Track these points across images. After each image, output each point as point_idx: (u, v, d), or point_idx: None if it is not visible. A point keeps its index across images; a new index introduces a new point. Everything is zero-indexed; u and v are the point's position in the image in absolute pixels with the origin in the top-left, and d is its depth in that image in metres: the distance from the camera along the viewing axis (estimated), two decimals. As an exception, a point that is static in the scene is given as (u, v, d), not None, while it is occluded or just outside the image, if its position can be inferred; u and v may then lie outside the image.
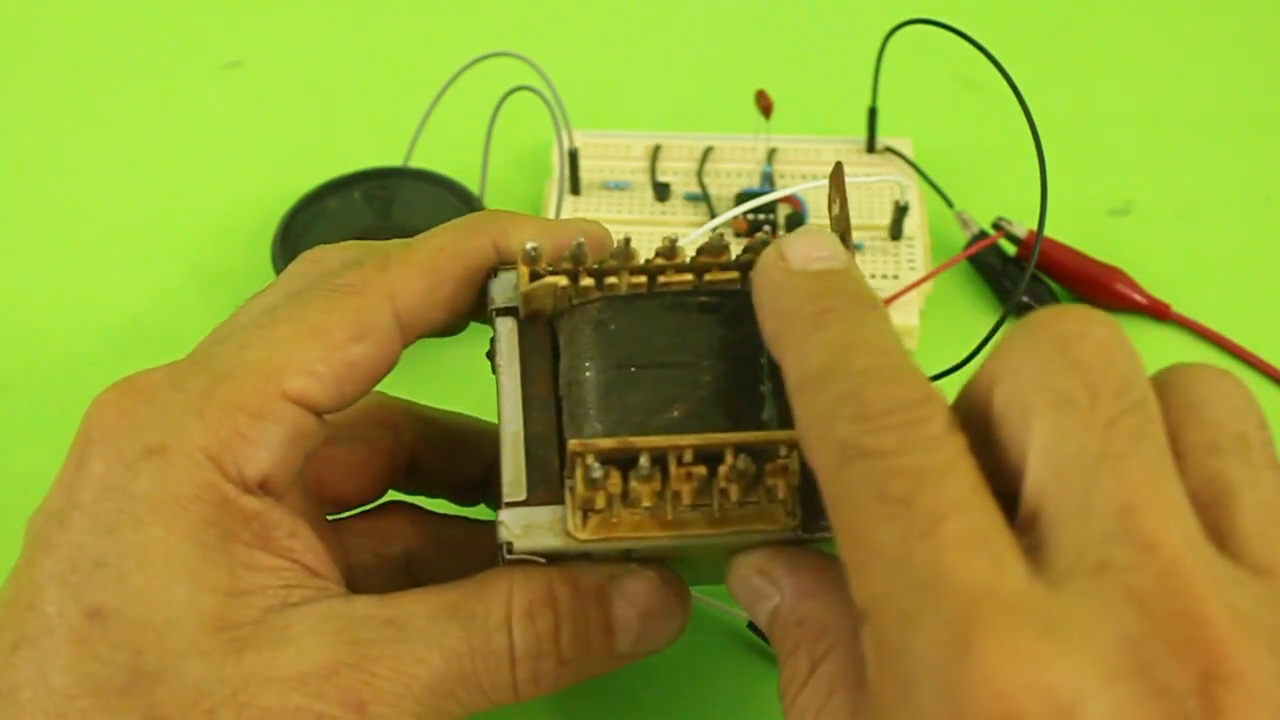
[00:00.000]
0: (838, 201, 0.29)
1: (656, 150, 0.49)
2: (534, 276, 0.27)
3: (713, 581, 0.30)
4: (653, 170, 0.48)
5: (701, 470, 0.26)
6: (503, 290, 0.29)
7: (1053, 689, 0.19)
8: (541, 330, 0.28)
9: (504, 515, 0.27)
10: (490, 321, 0.29)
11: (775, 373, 0.27)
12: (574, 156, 0.46)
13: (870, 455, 0.22)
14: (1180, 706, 0.19)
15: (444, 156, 0.47)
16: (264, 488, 0.27)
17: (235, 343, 0.27)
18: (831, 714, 0.24)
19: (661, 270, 0.28)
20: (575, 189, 0.47)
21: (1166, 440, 0.23)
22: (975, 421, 0.24)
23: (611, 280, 0.28)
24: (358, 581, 0.30)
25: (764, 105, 0.47)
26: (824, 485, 0.23)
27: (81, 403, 0.28)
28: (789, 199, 0.46)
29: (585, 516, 0.26)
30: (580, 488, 0.26)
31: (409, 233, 0.44)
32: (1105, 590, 0.20)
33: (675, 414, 0.27)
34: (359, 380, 0.28)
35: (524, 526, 0.27)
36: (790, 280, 0.25)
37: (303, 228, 0.46)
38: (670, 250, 0.28)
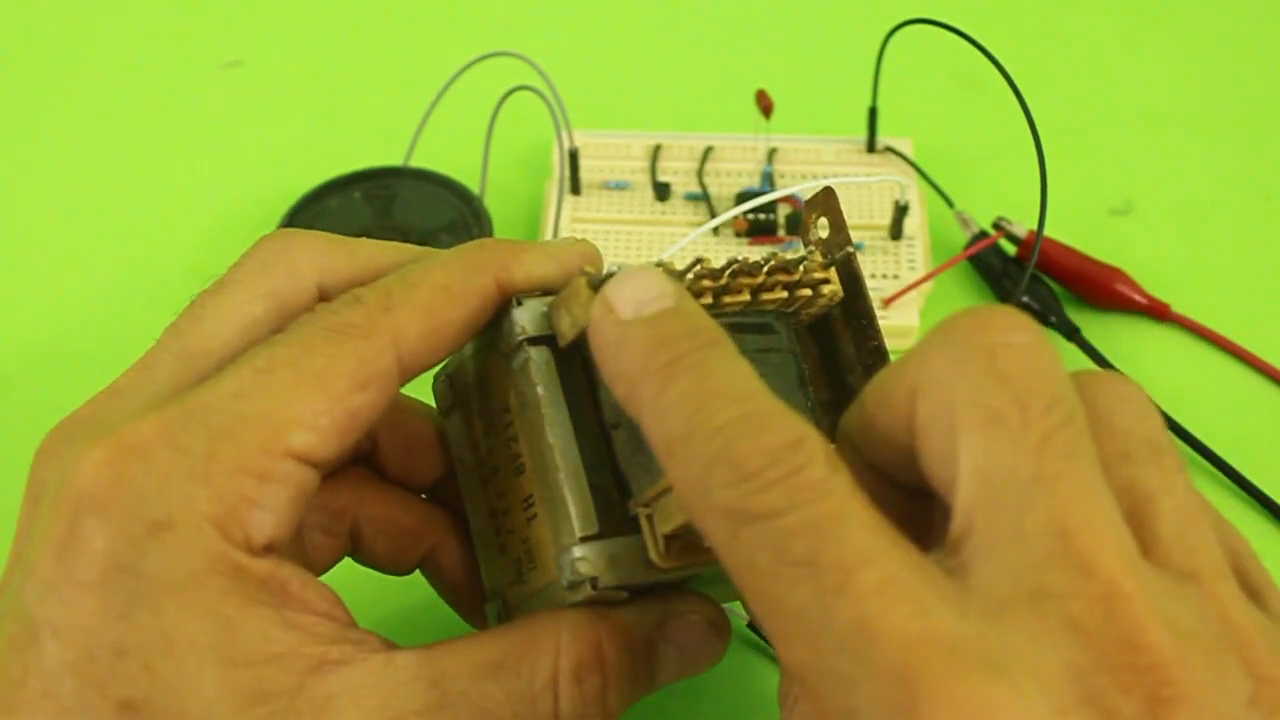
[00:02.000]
0: (830, 225, 0.28)
1: (657, 150, 0.48)
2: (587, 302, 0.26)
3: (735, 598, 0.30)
4: (653, 170, 0.48)
5: None
6: (533, 320, 0.27)
7: None
8: (573, 360, 0.27)
9: (583, 551, 0.26)
10: (516, 352, 0.27)
11: (806, 383, 0.28)
12: (574, 156, 0.46)
13: (759, 518, 0.21)
14: None
15: (444, 156, 0.47)
16: (270, 549, 0.25)
17: (230, 388, 0.26)
18: None
19: (710, 293, 0.27)
20: (575, 189, 0.47)
21: (1096, 454, 0.22)
22: (894, 427, 0.23)
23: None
24: (304, 542, 0.30)
25: (764, 105, 0.47)
26: (720, 554, 0.22)
27: (79, 403, 0.27)
28: (789, 199, 0.46)
29: (668, 544, 0.25)
30: (681, 515, 0.24)
31: (409, 233, 0.45)
32: (1045, 619, 0.20)
33: None
34: (359, 430, 0.26)
35: (607, 559, 0.26)
36: (625, 334, 0.24)
37: (303, 227, 0.46)
38: (716, 273, 0.27)
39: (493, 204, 0.46)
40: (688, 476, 0.22)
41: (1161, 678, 0.20)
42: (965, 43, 0.39)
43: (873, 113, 0.48)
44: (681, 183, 0.48)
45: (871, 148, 0.48)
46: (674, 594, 0.28)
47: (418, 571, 0.33)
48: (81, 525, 0.24)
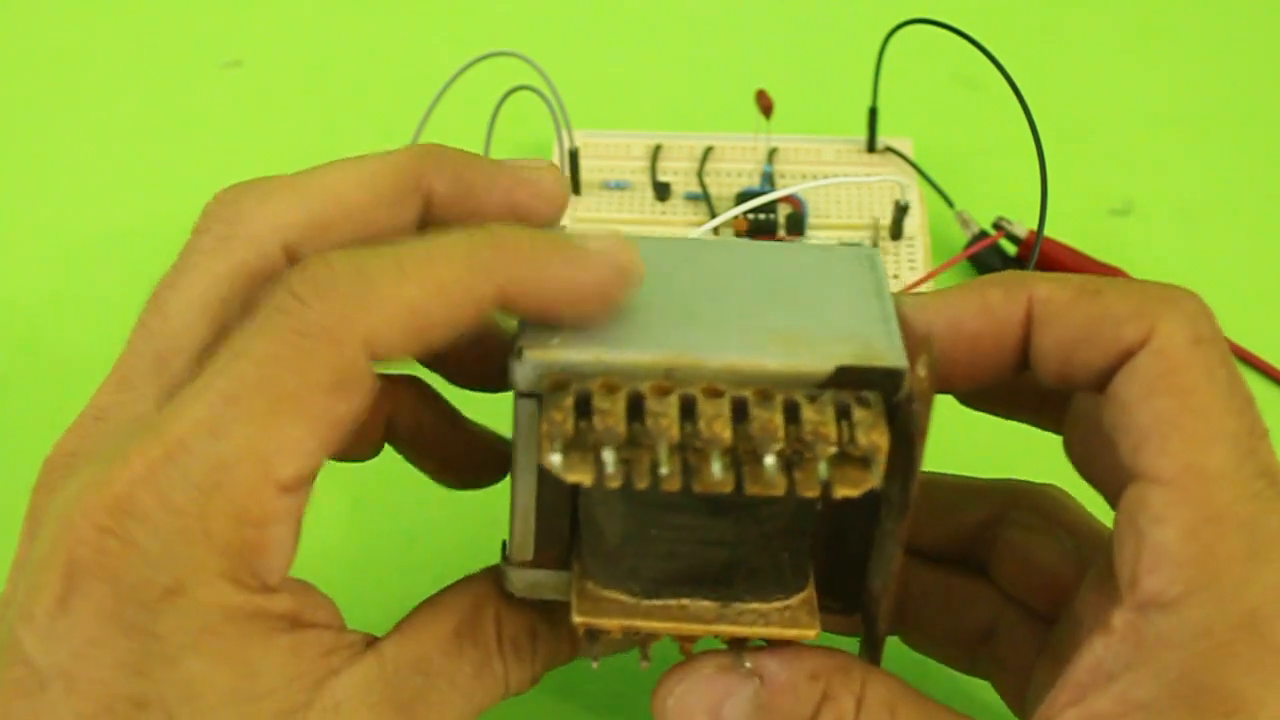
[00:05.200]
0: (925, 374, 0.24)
1: (657, 150, 0.49)
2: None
3: None
4: (653, 170, 0.48)
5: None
6: (526, 376, 0.25)
7: None
8: None
9: (511, 572, 0.27)
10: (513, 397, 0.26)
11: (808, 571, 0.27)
12: (574, 156, 0.46)
13: None
14: None
15: (444, 156, 0.47)
16: (283, 579, 0.25)
17: (204, 422, 0.24)
18: None
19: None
20: (576, 189, 0.47)
21: None
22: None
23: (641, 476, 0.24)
24: None
25: (764, 105, 0.47)
26: None
27: (80, 404, 0.27)
28: (789, 199, 0.46)
29: (579, 602, 0.26)
30: (583, 638, 0.27)
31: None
32: None
33: (685, 587, 0.26)
34: (343, 435, 0.25)
35: (530, 584, 0.27)
36: None
37: (303, 227, 0.46)
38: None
39: (493, 204, 0.46)
40: None
41: None
42: (965, 43, 0.39)
43: (873, 113, 0.48)
44: (682, 183, 0.48)
45: (872, 147, 0.48)
46: None
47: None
48: (83, 585, 0.24)
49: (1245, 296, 0.46)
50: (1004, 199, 0.47)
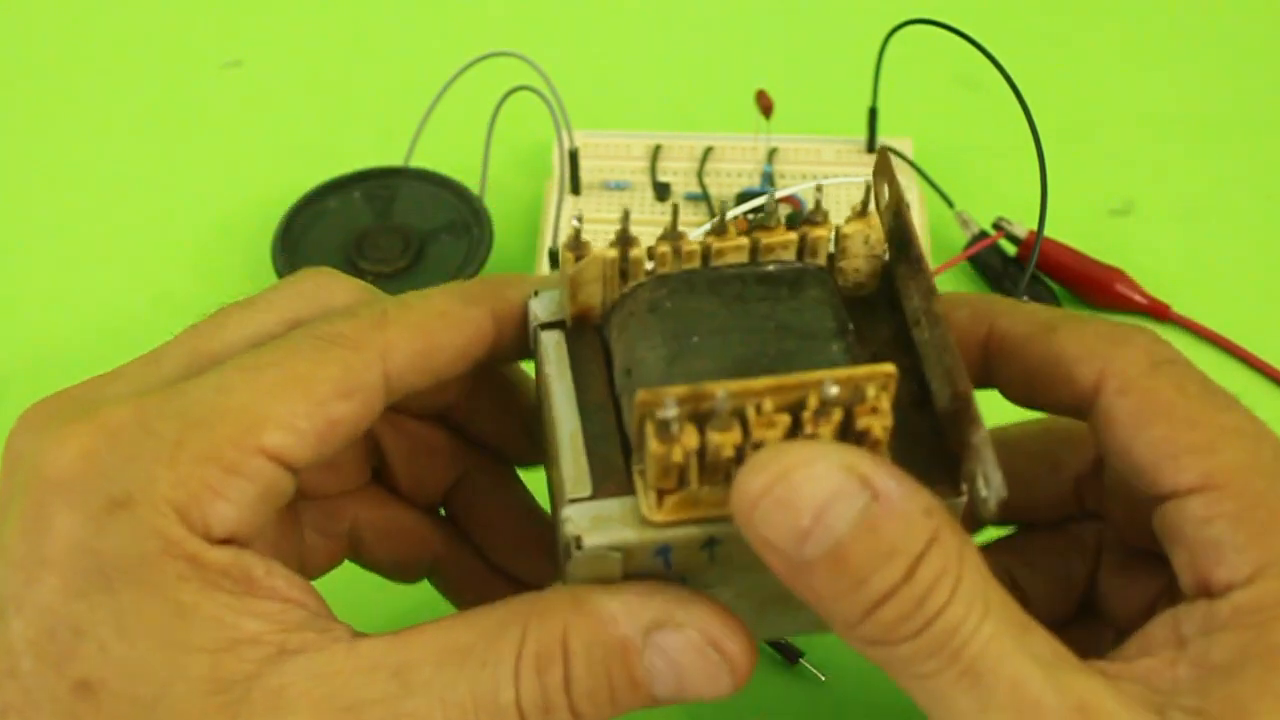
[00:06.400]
0: (888, 187, 0.28)
1: (657, 150, 0.49)
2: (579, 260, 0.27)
3: (811, 629, 0.28)
4: (653, 170, 0.48)
5: (786, 418, 0.23)
6: (546, 308, 0.28)
7: None
8: (589, 341, 0.28)
9: (568, 511, 0.25)
10: (534, 340, 0.28)
11: (847, 330, 0.26)
12: (574, 156, 0.46)
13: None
14: None
15: (444, 156, 0.47)
16: (230, 541, 0.25)
17: (214, 383, 0.26)
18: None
19: (711, 249, 0.27)
20: (575, 189, 0.47)
21: None
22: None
23: (663, 250, 0.27)
24: (304, 559, 0.30)
25: (764, 105, 0.47)
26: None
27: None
28: (789, 199, 0.46)
29: (660, 497, 0.24)
30: (653, 445, 0.23)
31: (409, 233, 0.45)
32: None
33: (746, 371, 0.25)
34: (339, 439, 0.26)
35: (592, 519, 0.25)
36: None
37: (303, 228, 0.46)
38: (721, 227, 0.27)
39: (493, 204, 0.46)
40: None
41: None
42: (965, 43, 0.39)
43: (873, 113, 0.48)
44: (681, 183, 0.48)
45: (871, 148, 0.48)
46: (681, 597, 0.25)
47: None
48: (48, 503, 0.24)
49: (1245, 296, 0.46)
50: (1004, 199, 0.47)
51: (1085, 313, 0.28)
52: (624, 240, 0.27)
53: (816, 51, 0.56)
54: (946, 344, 0.26)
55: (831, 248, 0.28)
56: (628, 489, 0.25)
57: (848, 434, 0.24)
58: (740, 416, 0.23)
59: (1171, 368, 0.26)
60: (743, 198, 0.46)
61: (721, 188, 0.47)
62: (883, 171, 0.28)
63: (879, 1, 0.54)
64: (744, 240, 0.27)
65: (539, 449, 0.29)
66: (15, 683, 0.24)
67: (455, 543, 0.33)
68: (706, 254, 0.27)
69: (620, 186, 0.48)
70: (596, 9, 0.58)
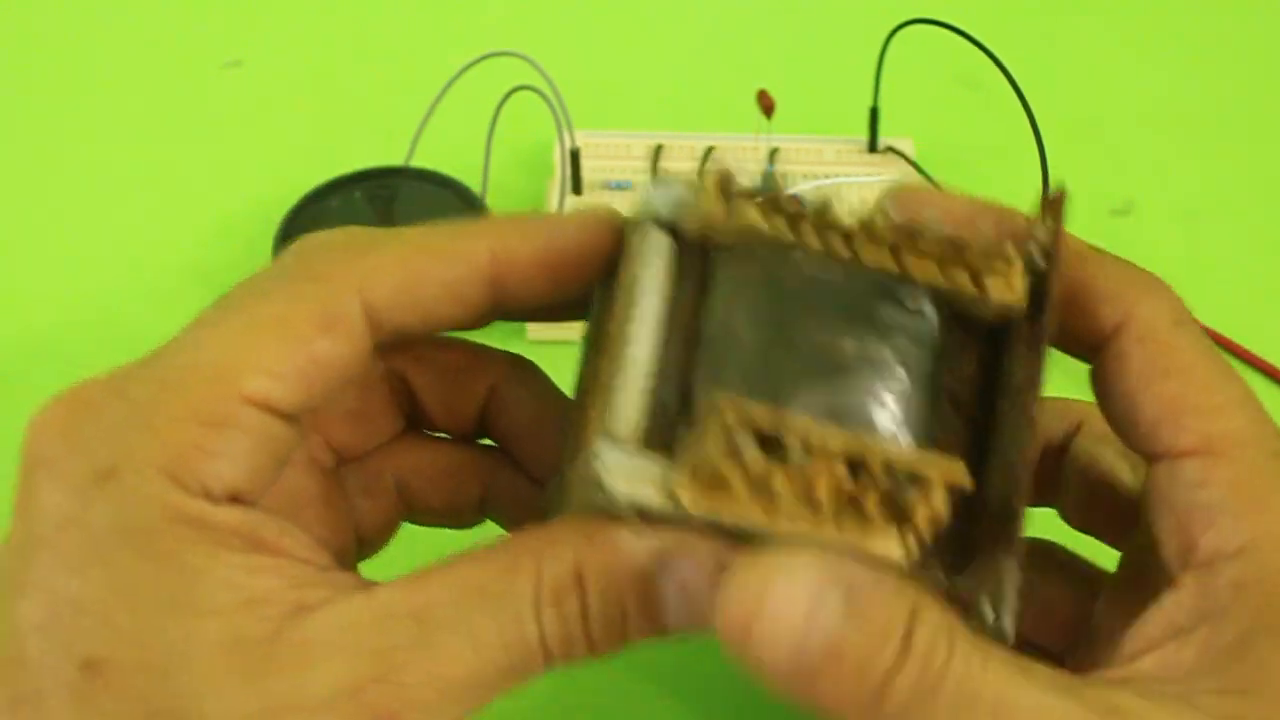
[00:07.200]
0: (1050, 230, 0.26)
1: (658, 150, 0.48)
2: (725, 199, 0.25)
3: None
4: (654, 170, 0.48)
5: (843, 472, 0.23)
6: (667, 202, 0.25)
7: None
8: (692, 263, 0.25)
9: (604, 450, 0.23)
10: (634, 232, 0.26)
11: (941, 389, 0.25)
12: (575, 156, 0.46)
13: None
14: None
15: (446, 156, 0.47)
16: (236, 499, 0.24)
17: (187, 341, 0.25)
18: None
19: (856, 241, 0.25)
20: (577, 189, 0.47)
21: None
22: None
23: (806, 228, 0.25)
24: (360, 527, 0.29)
25: (766, 105, 0.47)
26: None
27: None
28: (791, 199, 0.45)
29: (696, 486, 0.23)
30: (712, 451, 0.22)
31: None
32: None
33: (828, 405, 0.24)
34: (327, 379, 0.25)
35: (623, 467, 0.23)
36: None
37: (304, 228, 0.46)
38: (870, 223, 0.25)
39: (494, 204, 0.46)
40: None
41: None
42: (967, 43, 0.39)
43: (874, 113, 0.48)
44: (683, 183, 0.48)
45: (873, 148, 0.48)
46: (685, 534, 0.25)
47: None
48: (33, 483, 0.24)
49: (1245, 296, 0.46)
50: (1005, 199, 0.47)
51: (1110, 253, 0.27)
52: (775, 196, 0.25)
53: (818, 51, 0.56)
54: (1023, 447, 0.24)
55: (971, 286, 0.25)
56: (668, 448, 0.24)
57: (892, 507, 0.23)
58: (806, 458, 0.23)
59: (1192, 328, 0.26)
60: (744, 198, 0.46)
61: (722, 188, 0.47)
62: (1053, 215, 0.26)
63: (880, 1, 0.54)
64: (889, 257, 0.25)
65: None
66: (25, 670, 0.23)
67: (503, 468, 0.31)
68: (851, 243, 0.25)
69: (621, 187, 0.48)
70: (598, 9, 0.58)
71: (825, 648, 0.22)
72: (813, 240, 0.25)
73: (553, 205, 0.46)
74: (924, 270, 0.25)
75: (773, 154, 0.48)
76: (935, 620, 0.22)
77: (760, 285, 0.25)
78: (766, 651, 0.22)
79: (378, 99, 0.53)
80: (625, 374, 0.24)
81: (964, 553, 0.24)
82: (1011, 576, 0.23)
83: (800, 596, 0.22)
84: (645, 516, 0.24)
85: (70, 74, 0.55)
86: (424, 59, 0.54)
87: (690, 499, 0.23)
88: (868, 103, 0.47)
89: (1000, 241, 0.25)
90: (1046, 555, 0.31)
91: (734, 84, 0.50)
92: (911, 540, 0.23)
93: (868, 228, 0.25)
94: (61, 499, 0.23)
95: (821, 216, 0.25)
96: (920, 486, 0.22)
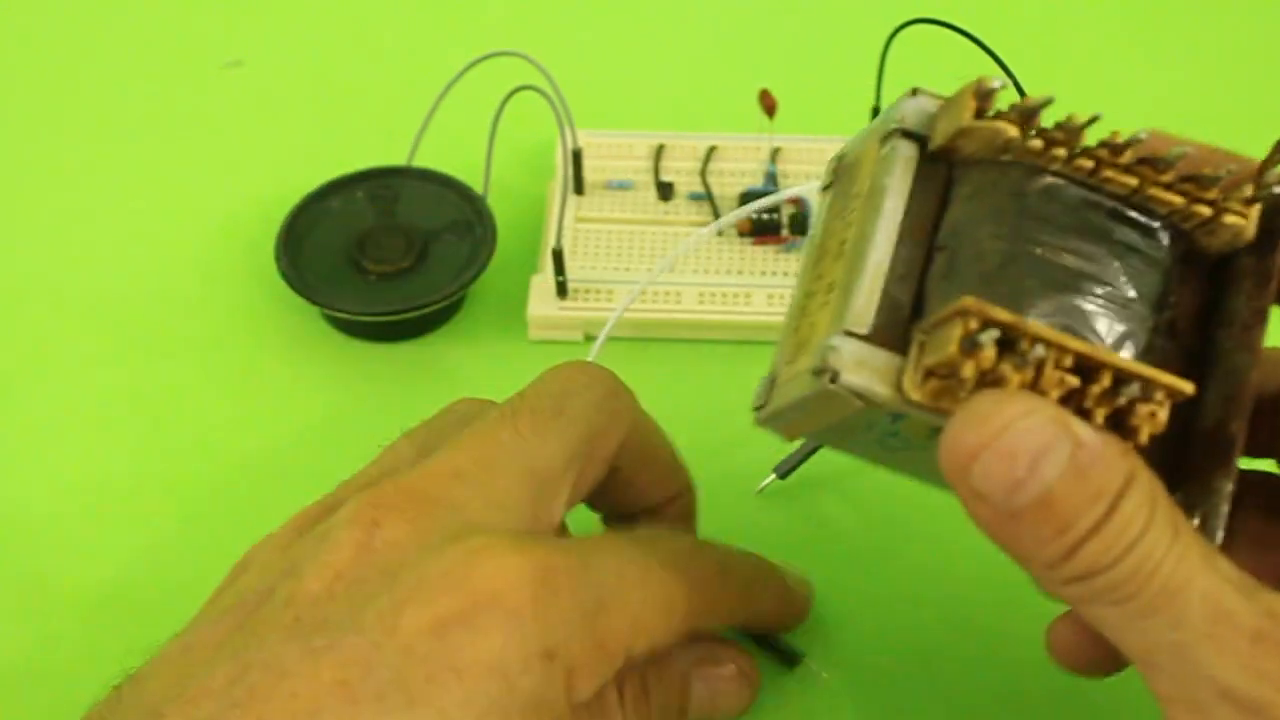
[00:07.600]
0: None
1: (660, 150, 0.48)
2: (979, 115, 0.26)
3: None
4: (656, 170, 0.48)
5: (1075, 381, 0.24)
6: (916, 114, 0.27)
7: None
8: (937, 172, 0.26)
9: (839, 341, 0.25)
10: (882, 140, 0.27)
11: (1166, 307, 0.26)
12: (577, 156, 0.46)
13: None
14: None
15: (447, 156, 0.47)
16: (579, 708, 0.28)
17: (614, 565, 0.29)
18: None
19: (1101, 165, 0.26)
20: (579, 189, 0.47)
21: None
22: None
23: (1058, 152, 0.26)
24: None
25: (768, 105, 0.47)
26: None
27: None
28: (793, 199, 0.45)
29: (926, 378, 0.24)
30: (951, 348, 0.23)
31: (413, 232, 0.45)
32: None
33: (1061, 314, 0.25)
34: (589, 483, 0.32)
35: (857, 361, 0.25)
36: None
37: (306, 228, 0.46)
38: (1118, 147, 0.26)
39: (496, 204, 0.46)
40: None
41: None
42: (969, 43, 0.39)
43: (876, 112, 0.48)
44: (685, 183, 0.48)
45: (875, 148, 0.48)
46: (715, 644, 0.33)
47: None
48: (481, 618, 0.26)
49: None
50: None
51: None
52: (1029, 113, 0.26)
53: (820, 51, 0.56)
54: (1244, 376, 0.26)
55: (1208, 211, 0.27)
56: (900, 347, 0.25)
57: (1118, 423, 0.24)
58: (1039, 361, 0.23)
59: None
60: (746, 198, 0.46)
61: (725, 187, 0.47)
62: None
63: (883, 1, 0.54)
64: (1133, 179, 0.26)
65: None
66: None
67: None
68: (1097, 168, 0.26)
69: (623, 186, 0.48)
70: (600, 8, 0.57)
71: (1039, 495, 0.23)
72: (1061, 158, 0.26)
73: (554, 205, 0.46)
74: (1167, 198, 0.26)
75: (775, 154, 0.48)
76: (1143, 490, 0.23)
77: (1003, 196, 0.26)
78: (984, 483, 0.23)
79: (379, 98, 0.53)
80: (864, 275, 0.25)
81: (1174, 478, 0.25)
82: (1225, 497, 0.25)
83: (1033, 442, 0.23)
84: (868, 404, 0.25)
85: (70, 74, 0.55)
86: (426, 58, 0.54)
87: (917, 393, 0.24)
88: (870, 102, 0.47)
89: (1241, 182, 0.26)
90: (1263, 486, 0.30)
91: (736, 84, 0.50)
92: (1131, 448, 0.24)
93: (1116, 154, 0.26)
94: (507, 653, 0.26)
95: (1071, 136, 0.26)
96: (1147, 395, 0.24)
